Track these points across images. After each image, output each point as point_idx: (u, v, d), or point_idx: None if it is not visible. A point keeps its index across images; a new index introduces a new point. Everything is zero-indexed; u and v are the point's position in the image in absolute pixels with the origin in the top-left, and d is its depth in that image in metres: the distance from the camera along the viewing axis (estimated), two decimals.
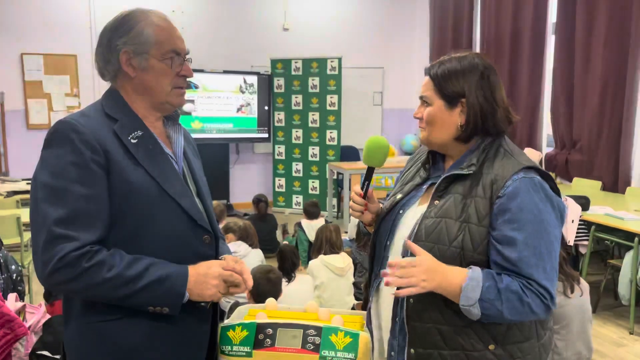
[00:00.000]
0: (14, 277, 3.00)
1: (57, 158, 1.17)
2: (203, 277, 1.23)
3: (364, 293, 1.62)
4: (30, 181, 4.47)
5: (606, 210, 4.11)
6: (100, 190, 1.18)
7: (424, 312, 1.28)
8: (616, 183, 5.04)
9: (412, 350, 1.30)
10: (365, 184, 1.46)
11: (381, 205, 1.51)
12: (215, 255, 1.36)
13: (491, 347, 1.27)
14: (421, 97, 1.37)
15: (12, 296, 2.52)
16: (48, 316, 2.51)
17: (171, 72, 1.29)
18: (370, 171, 1.49)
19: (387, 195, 1.52)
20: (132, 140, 1.25)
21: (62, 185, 1.15)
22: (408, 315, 1.30)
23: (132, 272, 1.16)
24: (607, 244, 4.30)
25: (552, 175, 1.34)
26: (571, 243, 3.94)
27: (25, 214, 3.95)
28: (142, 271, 1.17)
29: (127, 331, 1.22)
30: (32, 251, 1.20)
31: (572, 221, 3.90)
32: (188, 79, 1.36)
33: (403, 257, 1.30)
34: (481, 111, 1.29)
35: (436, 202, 1.31)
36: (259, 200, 5.26)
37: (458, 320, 1.25)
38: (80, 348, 1.25)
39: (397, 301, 1.33)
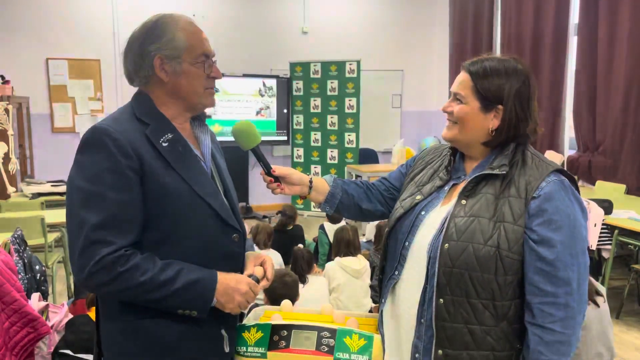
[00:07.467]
0: (38, 277, 3.06)
1: (92, 164, 1.20)
2: (231, 291, 1.27)
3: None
4: (55, 183, 4.57)
5: (630, 214, 4.03)
6: (135, 196, 1.21)
7: (454, 312, 1.26)
8: None
9: (439, 352, 1.28)
10: (261, 164, 1.47)
11: (309, 175, 1.52)
12: (243, 253, 1.40)
13: (518, 346, 1.27)
14: (455, 94, 1.33)
15: (35, 296, 2.58)
16: (70, 316, 2.55)
17: (203, 74, 1.32)
18: (255, 153, 1.47)
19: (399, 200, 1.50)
20: (164, 144, 1.27)
21: (98, 190, 1.18)
22: (437, 315, 1.27)
23: (164, 276, 1.20)
24: (631, 249, 4.21)
25: (575, 178, 1.34)
26: (594, 247, 3.87)
27: (49, 216, 4.04)
28: (173, 276, 1.20)
29: (163, 329, 1.26)
30: (69, 255, 1.23)
31: (595, 225, 3.83)
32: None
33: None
34: (516, 120, 1.29)
35: (463, 201, 1.30)
36: (278, 212, 5.30)
37: (489, 319, 1.25)
38: (120, 345, 1.28)
39: (423, 301, 1.30)
